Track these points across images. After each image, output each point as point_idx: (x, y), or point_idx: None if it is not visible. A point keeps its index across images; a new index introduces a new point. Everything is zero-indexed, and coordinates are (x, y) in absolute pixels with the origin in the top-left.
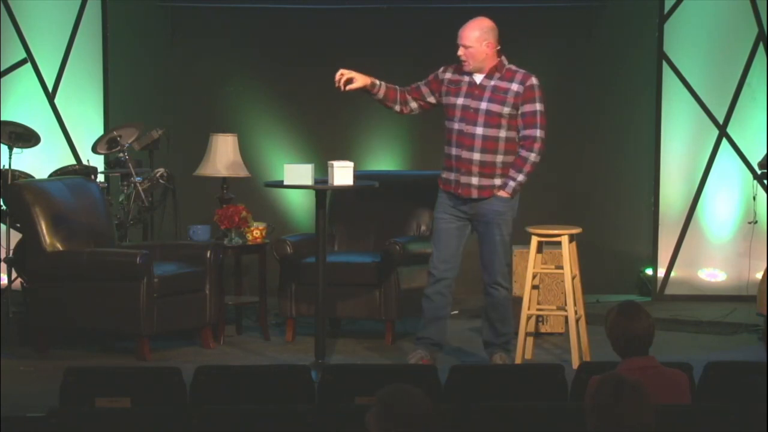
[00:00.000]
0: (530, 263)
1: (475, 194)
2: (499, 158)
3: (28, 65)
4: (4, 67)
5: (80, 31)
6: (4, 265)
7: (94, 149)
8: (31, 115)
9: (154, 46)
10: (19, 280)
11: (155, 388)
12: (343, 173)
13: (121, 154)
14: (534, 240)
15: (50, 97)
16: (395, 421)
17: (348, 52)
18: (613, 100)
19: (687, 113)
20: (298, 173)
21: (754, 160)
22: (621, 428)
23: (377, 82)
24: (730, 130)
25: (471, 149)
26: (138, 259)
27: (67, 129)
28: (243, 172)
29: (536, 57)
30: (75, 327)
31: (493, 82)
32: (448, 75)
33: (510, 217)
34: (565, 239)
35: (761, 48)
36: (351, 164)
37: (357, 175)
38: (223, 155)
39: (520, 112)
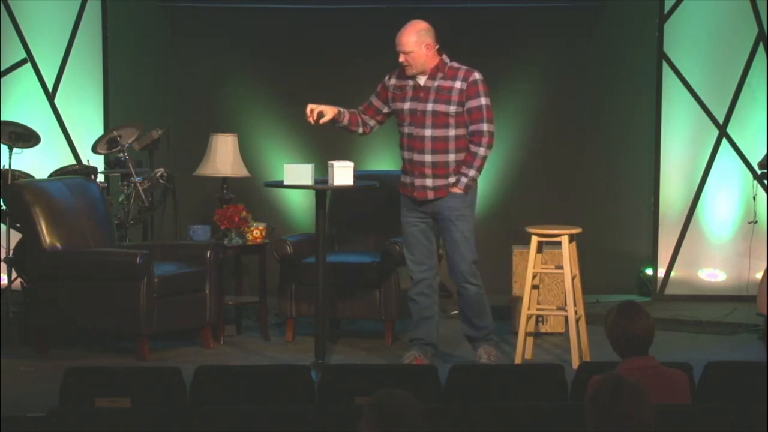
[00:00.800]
0: (530, 263)
1: (431, 195)
2: (451, 157)
3: (28, 65)
4: (4, 67)
5: (80, 31)
6: (4, 265)
7: (94, 149)
8: (31, 115)
9: (154, 46)
10: (19, 280)
11: (155, 388)
12: (343, 173)
13: (121, 154)
14: (534, 240)
15: (50, 97)
16: (388, 424)
17: (348, 52)
18: (613, 100)
19: (687, 113)
20: (298, 173)
21: (754, 160)
22: (621, 428)
23: (341, 110)
24: (730, 130)
25: (422, 151)
26: (138, 259)
27: (67, 129)
28: (243, 172)
29: (536, 57)
30: (75, 327)
31: (436, 83)
32: (393, 81)
33: (468, 213)
34: (565, 239)
35: (761, 48)
36: (351, 164)
37: (357, 175)
38: (223, 155)
39: (466, 108)
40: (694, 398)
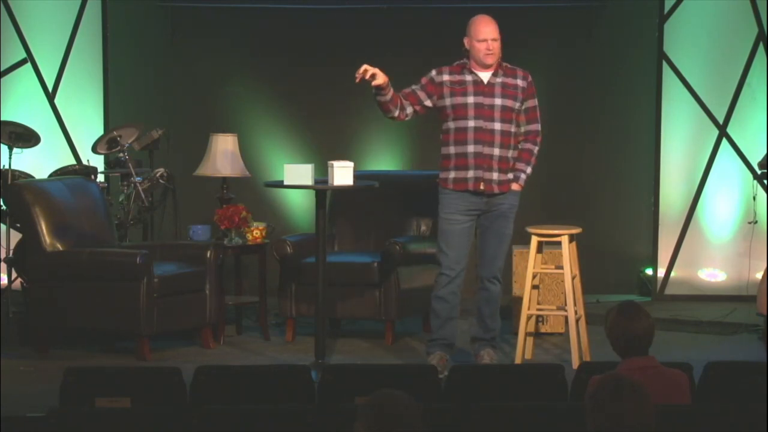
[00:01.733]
0: (530, 263)
1: (496, 189)
2: (511, 152)
3: (28, 65)
4: (4, 67)
5: (80, 31)
6: (4, 265)
7: (94, 149)
8: (31, 115)
9: (154, 46)
10: (19, 280)
11: (155, 388)
12: (343, 173)
13: (121, 154)
14: (534, 240)
15: (50, 97)
16: (385, 425)
17: (348, 52)
18: (613, 100)
19: (687, 113)
20: (298, 173)
21: (754, 160)
22: (621, 428)
23: (389, 84)
24: (730, 130)
25: (491, 144)
26: (138, 259)
27: (67, 129)
28: (243, 172)
29: (536, 57)
30: (75, 327)
31: (499, 79)
32: (446, 77)
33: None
34: (565, 239)
35: (761, 48)
36: (351, 164)
37: (357, 175)
38: (223, 155)
39: (524, 107)
40: (694, 398)
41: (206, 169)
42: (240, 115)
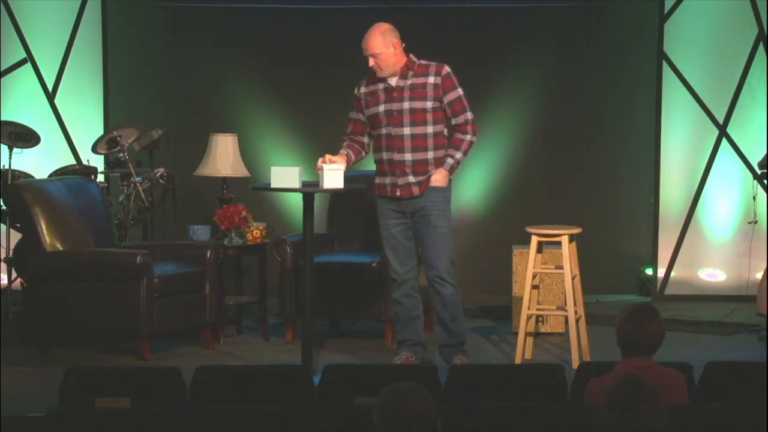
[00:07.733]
0: (530, 263)
1: (416, 192)
2: (430, 155)
3: (28, 65)
4: (4, 67)
5: (80, 31)
6: (4, 265)
7: (94, 149)
8: (31, 115)
9: (154, 46)
10: (19, 280)
11: (155, 388)
12: (333, 176)
13: (121, 154)
14: (534, 240)
15: (50, 97)
16: (404, 419)
17: (347, 52)
18: (613, 100)
19: (687, 113)
20: (285, 175)
21: (754, 160)
22: (633, 427)
23: (345, 152)
24: (730, 130)
25: (402, 150)
26: (138, 259)
27: (67, 129)
28: (243, 172)
29: (536, 57)
30: (75, 327)
31: (409, 81)
32: (363, 89)
33: (447, 209)
34: (565, 239)
35: (761, 48)
36: (342, 167)
37: (355, 176)
38: (223, 155)
39: (445, 102)
40: (693, 398)
41: (206, 169)
42: (240, 115)
